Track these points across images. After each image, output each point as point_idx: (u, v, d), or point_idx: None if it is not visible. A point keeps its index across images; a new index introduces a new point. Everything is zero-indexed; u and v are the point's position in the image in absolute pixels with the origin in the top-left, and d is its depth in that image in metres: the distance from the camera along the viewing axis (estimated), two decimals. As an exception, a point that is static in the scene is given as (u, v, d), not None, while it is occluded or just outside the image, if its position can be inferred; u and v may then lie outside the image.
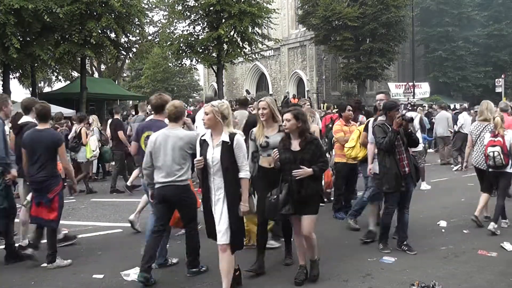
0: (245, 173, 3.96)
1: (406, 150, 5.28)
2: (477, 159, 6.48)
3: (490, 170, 6.16)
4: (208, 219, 4.06)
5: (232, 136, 3.93)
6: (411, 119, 5.30)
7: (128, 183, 9.59)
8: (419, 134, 9.57)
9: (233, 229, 3.93)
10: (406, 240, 5.40)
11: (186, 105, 17.29)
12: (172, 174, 4.34)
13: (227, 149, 3.90)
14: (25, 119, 5.71)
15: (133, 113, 15.03)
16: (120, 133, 10.26)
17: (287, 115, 4.30)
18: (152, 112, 5.35)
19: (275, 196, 4.25)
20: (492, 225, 6.02)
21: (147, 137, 4.78)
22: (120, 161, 10.43)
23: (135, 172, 9.58)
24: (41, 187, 4.97)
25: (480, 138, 6.41)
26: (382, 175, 5.26)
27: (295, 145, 4.30)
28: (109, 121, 12.61)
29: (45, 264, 5.05)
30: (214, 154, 3.92)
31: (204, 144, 4.02)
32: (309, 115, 7.51)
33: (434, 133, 14.68)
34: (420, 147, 9.59)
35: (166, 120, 4.72)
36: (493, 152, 5.95)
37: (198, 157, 4.05)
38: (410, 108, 11.25)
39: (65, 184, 6.23)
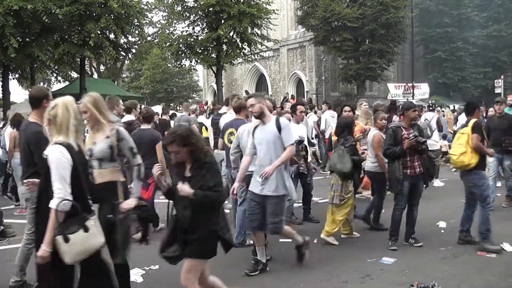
0: (53, 201, 2.83)
1: (417, 152, 5.41)
2: None
3: None
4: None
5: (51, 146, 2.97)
6: (424, 141, 5.39)
7: None
8: (436, 134, 9.75)
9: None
10: (413, 234, 5.63)
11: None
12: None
13: (47, 165, 2.91)
14: (127, 118, 6.62)
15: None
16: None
17: (172, 147, 3.27)
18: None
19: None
20: None
21: (230, 133, 5.54)
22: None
23: None
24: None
25: None
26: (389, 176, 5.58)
27: (188, 170, 3.38)
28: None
29: None
30: None
31: None
32: (365, 117, 7.47)
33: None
34: (437, 146, 9.75)
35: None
36: None
37: None
38: (432, 109, 11.36)
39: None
